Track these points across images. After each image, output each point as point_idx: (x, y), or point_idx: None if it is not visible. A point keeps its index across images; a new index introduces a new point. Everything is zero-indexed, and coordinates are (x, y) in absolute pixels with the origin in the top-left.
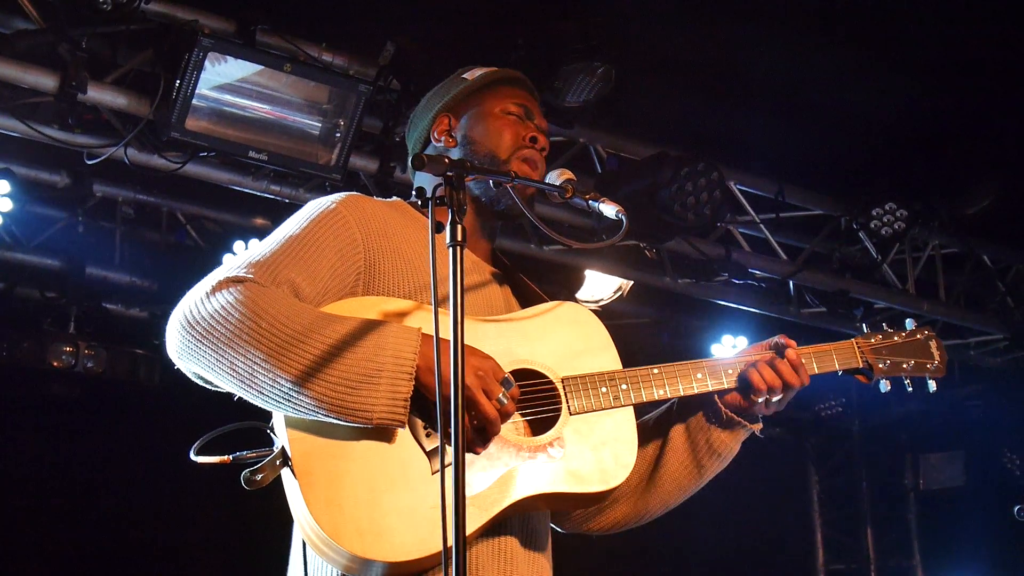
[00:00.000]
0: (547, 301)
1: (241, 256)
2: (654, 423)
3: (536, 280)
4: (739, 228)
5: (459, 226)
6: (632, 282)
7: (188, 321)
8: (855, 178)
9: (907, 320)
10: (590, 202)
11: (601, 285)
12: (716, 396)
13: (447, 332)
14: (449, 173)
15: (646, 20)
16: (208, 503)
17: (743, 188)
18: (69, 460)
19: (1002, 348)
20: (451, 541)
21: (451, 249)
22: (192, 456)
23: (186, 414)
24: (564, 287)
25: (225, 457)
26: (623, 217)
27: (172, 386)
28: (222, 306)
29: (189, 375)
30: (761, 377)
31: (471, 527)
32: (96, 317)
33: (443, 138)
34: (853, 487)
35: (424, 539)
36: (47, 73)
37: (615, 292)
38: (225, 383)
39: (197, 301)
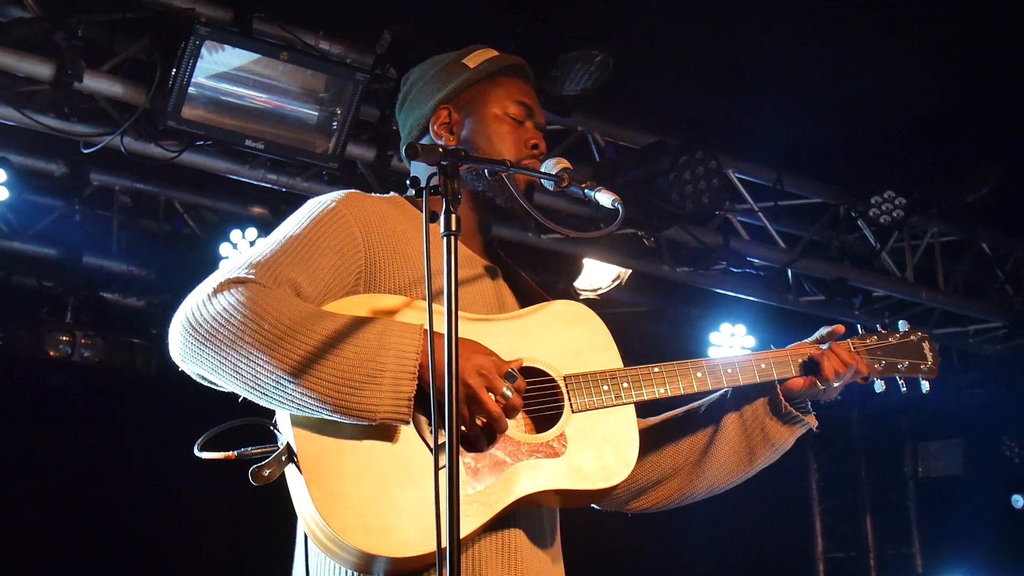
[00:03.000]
0: (545, 297)
1: (241, 256)
2: (706, 409)
3: (534, 269)
4: (738, 216)
5: (453, 216)
6: (631, 271)
7: (191, 323)
8: (854, 166)
9: (900, 321)
10: (586, 191)
11: (600, 274)
12: (777, 384)
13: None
14: (443, 162)
15: (644, 8)
16: (206, 493)
17: (741, 176)
18: (66, 449)
19: (1001, 336)
20: (447, 539)
21: (445, 239)
22: (196, 451)
23: (183, 404)
24: (562, 276)
25: (230, 453)
26: (619, 206)
27: (169, 376)
28: (224, 308)
29: (193, 376)
30: (831, 364)
31: (474, 524)
32: (93, 306)
33: (443, 134)
34: (852, 475)
35: (428, 535)
36: (43, 61)
37: (614, 281)
38: (229, 384)
39: (199, 303)
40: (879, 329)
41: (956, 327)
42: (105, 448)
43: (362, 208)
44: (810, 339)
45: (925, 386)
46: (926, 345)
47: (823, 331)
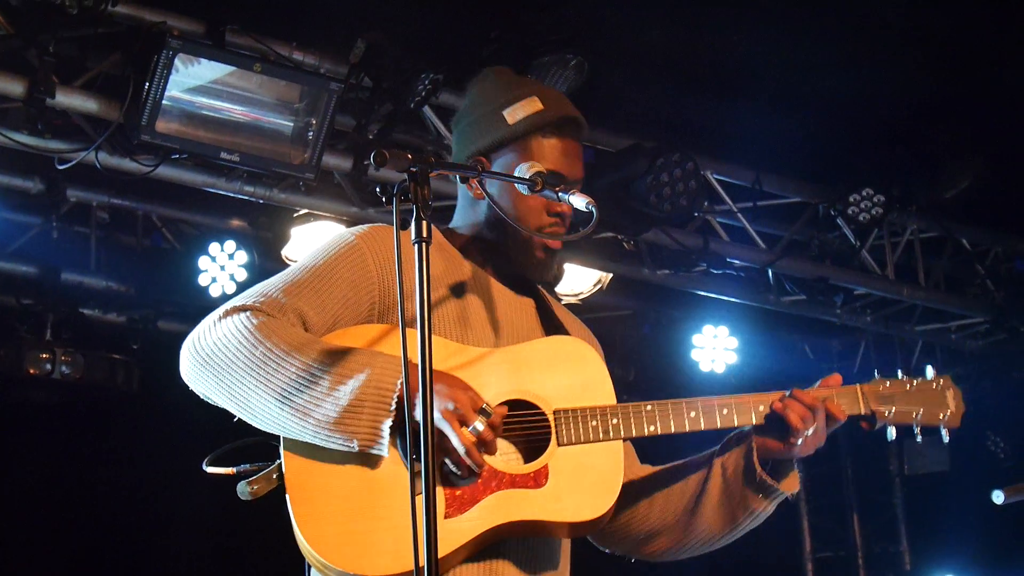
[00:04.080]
0: (563, 326)
1: (257, 286)
2: (698, 464)
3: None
4: (717, 218)
5: (424, 222)
6: (611, 274)
7: (195, 347)
8: (832, 165)
9: (927, 367)
10: (560, 194)
11: (580, 278)
12: (753, 449)
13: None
14: (412, 169)
15: (618, 10)
16: (189, 509)
17: (720, 177)
18: (48, 467)
19: (983, 331)
20: (423, 562)
21: (416, 246)
22: (204, 467)
23: (165, 420)
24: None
25: (230, 469)
26: (593, 208)
27: (150, 391)
28: (224, 333)
29: (201, 396)
30: (794, 413)
31: (448, 548)
32: (73, 323)
33: (475, 185)
34: (838, 474)
35: (404, 557)
36: (15, 79)
37: (595, 285)
38: (227, 405)
39: (205, 329)
40: (900, 375)
41: (938, 323)
42: (87, 465)
43: (380, 242)
44: (812, 387)
45: (945, 436)
46: (950, 393)
47: (820, 381)
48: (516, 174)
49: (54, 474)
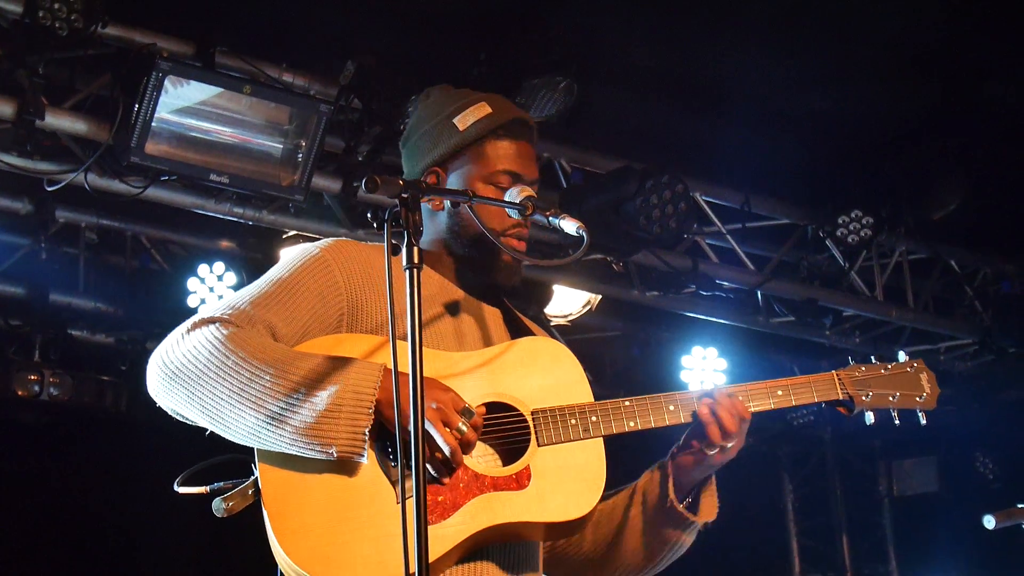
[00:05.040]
0: (531, 331)
1: (224, 299)
2: (624, 493)
3: (505, 295)
4: (706, 239)
5: (416, 248)
6: (600, 296)
7: (163, 361)
8: (821, 186)
9: (899, 352)
10: (551, 219)
11: (569, 299)
12: (670, 480)
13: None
14: (404, 195)
15: (607, 32)
16: (178, 531)
17: (709, 199)
18: (36, 489)
19: (972, 353)
20: (413, 568)
21: (407, 272)
22: (176, 487)
23: (154, 441)
24: (532, 302)
25: (203, 488)
26: (584, 233)
27: (139, 413)
28: (194, 345)
29: (169, 412)
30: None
31: (434, 555)
32: (61, 344)
33: (432, 197)
34: (827, 495)
35: (389, 567)
36: (3, 100)
37: (584, 307)
38: (197, 418)
39: (174, 342)
40: (873, 360)
41: (927, 344)
42: (76, 487)
43: (346, 254)
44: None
45: (922, 418)
46: (923, 376)
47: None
48: (506, 199)
49: (42, 496)
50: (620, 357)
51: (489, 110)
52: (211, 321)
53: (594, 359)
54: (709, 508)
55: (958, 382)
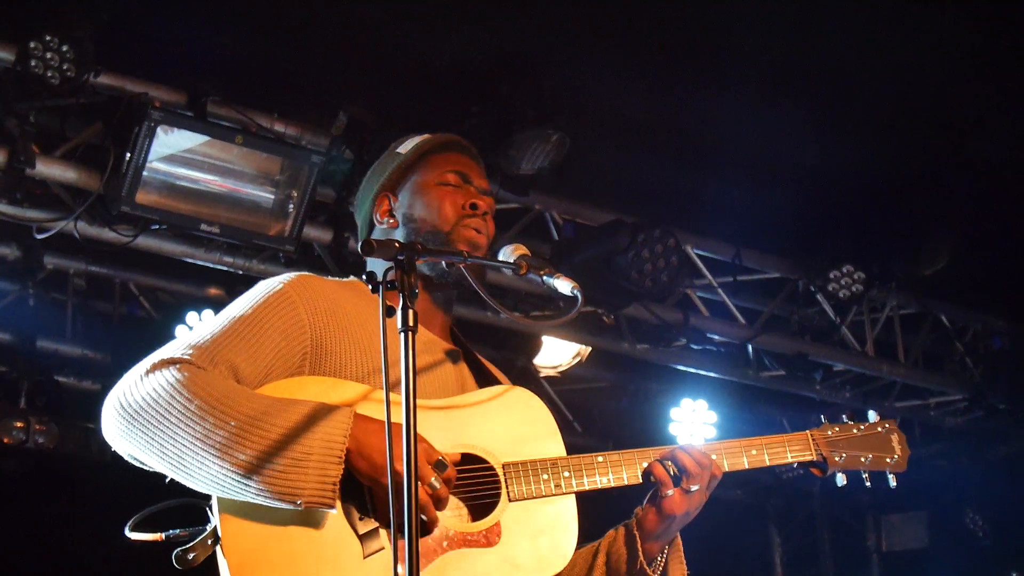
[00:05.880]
0: (503, 382)
1: (183, 338)
2: (573, 559)
3: (494, 347)
4: (697, 292)
5: (411, 311)
6: (591, 348)
7: (120, 404)
8: (812, 241)
9: (869, 412)
10: (544, 278)
11: (559, 351)
12: (638, 541)
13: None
14: (400, 257)
15: (598, 86)
16: None
17: (700, 252)
18: (21, 538)
19: (962, 408)
20: None
21: (402, 335)
22: (127, 532)
23: (140, 489)
24: (522, 353)
25: (158, 535)
26: (578, 293)
27: (125, 462)
28: (154, 388)
29: (125, 457)
30: (663, 468)
31: None
32: (48, 391)
33: (386, 219)
34: (815, 549)
35: None
36: None
37: (574, 358)
38: (157, 464)
39: (132, 383)
40: (844, 419)
41: (917, 400)
42: (61, 535)
43: (310, 290)
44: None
45: (892, 480)
46: (894, 437)
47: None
48: (500, 258)
49: (28, 545)
50: (609, 408)
51: (427, 135)
52: (171, 363)
53: (583, 410)
54: (679, 574)
55: (948, 438)
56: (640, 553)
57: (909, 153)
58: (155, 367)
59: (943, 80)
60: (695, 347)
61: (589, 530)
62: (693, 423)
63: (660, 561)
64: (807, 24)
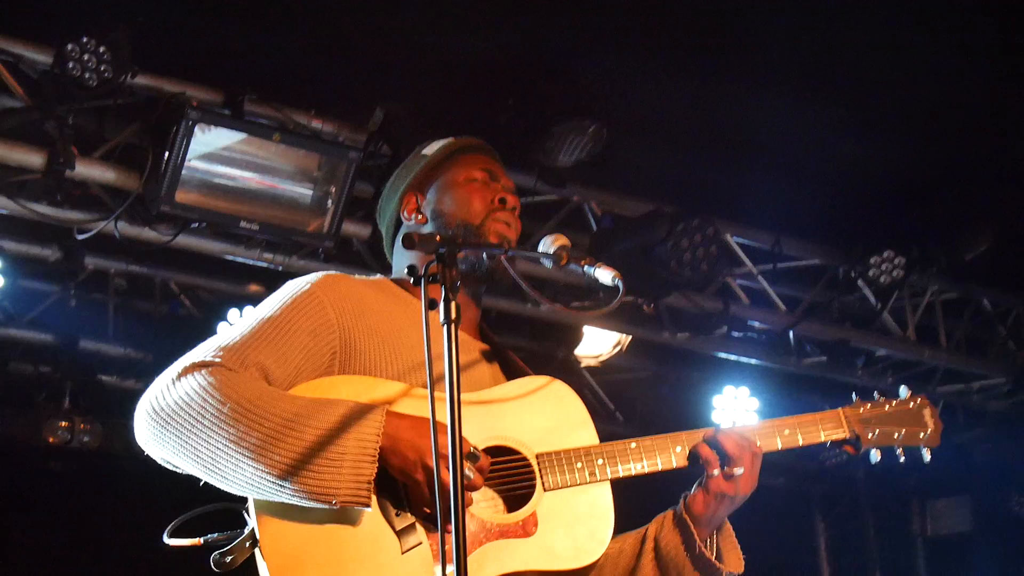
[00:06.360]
0: (530, 374)
1: (212, 340)
2: (620, 546)
3: (534, 338)
4: (737, 280)
5: (453, 303)
6: (631, 336)
7: (153, 407)
8: (852, 227)
9: (901, 387)
10: (585, 268)
11: (600, 340)
12: (692, 526)
13: (423, 411)
14: (442, 250)
15: (635, 77)
16: None
17: (740, 240)
18: (67, 537)
19: (1006, 392)
20: None
21: (445, 327)
22: (165, 539)
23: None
24: (562, 344)
25: (196, 540)
26: (619, 282)
27: None
28: (186, 392)
29: (159, 460)
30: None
31: None
32: (91, 391)
33: (413, 216)
34: (860, 534)
35: None
36: (34, 151)
37: (614, 347)
38: (191, 468)
39: (164, 387)
40: (876, 396)
41: (960, 384)
42: (106, 535)
43: (337, 290)
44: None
45: (926, 455)
46: (927, 412)
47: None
48: (540, 249)
49: (74, 543)
50: (650, 397)
51: (452, 139)
52: (202, 366)
53: (624, 399)
54: (735, 560)
55: (992, 422)
56: (696, 537)
57: (947, 140)
58: (186, 371)
59: (978, 74)
60: (736, 335)
61: (625, 517)
62: (735, 410)
63: (711, 545)
64: (844, 21)
